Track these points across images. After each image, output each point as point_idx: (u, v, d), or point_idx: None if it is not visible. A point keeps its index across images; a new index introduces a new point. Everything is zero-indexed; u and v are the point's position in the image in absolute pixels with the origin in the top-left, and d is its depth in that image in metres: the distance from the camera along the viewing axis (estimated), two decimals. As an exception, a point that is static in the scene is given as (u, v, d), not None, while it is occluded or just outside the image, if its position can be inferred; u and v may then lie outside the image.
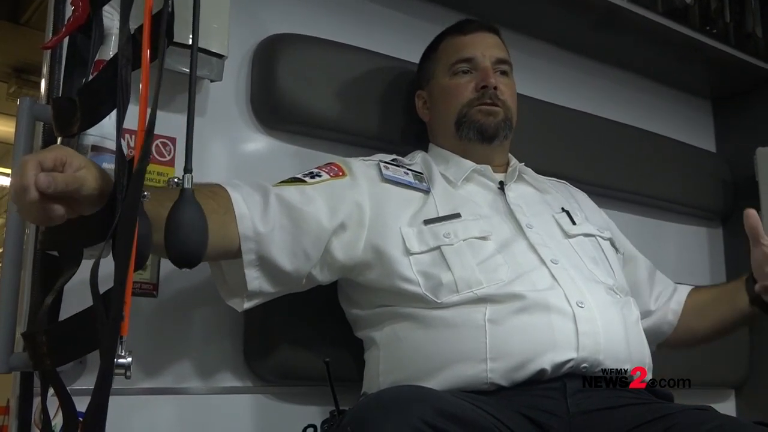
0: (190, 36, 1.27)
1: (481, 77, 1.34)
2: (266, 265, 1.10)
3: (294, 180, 1.20)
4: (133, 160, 0.78)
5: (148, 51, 0.81)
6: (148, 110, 0.78)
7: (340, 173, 1.23)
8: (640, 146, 1.98)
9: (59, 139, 0.98)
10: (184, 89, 1.36)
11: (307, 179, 1.19)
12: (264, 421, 1.36)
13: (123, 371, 0.83)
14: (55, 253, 0.94)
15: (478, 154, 1.34)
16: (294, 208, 1.13)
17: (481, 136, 1.33)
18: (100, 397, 0.71)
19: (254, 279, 1.10)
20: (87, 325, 0.79)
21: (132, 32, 0.85)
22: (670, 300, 1.43)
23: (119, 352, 0.80)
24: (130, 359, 0.82)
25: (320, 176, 1.21)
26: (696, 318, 1.41)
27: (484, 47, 1.37)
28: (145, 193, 0.79)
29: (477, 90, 1.34)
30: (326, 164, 1.26)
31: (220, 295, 1.17)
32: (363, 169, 1.25)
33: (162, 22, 0.82)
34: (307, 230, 1.13)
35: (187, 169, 0.85)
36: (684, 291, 1.45)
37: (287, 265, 1.12)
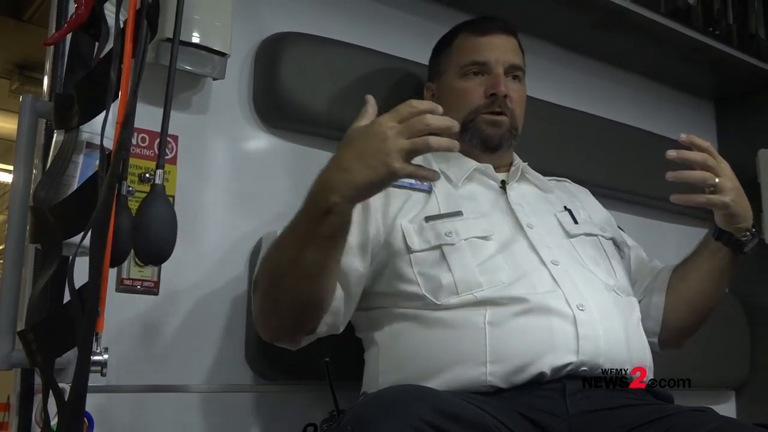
0: (193, 34, 1.27)
1: (492, 84, 1.32)
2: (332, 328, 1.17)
3: None
4: (111, 153, 0.78)
5: (131, 45, 0.81)
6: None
7: None
8: (642, 147, 1.97)
9: (56, 133, 0.98)
10: (186, 87, 1.36)
11: None
12: (264, 420, 1.36)
13: (99, 368, 0.83)
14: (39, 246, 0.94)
15: (480, 159, 1.34)
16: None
17: (485, 146, 1.33)
18: (77, 396, 0.70)
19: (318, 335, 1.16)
20: (67, 322, 0.79)
21: (122, 27, 0.85)
22: (654, 283, 1.38)
23: (94, 349, 0.79)
24: (106, 356, 0.82)
25: None
26: (680, 282, 1.34)
27: (499, 52, 1.34)
28: (130, 188, 0.79)
29: (486, 96, 1.32)
30: None
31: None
32: None
33: (141, 15, 0.82)
34: (354, 285, 1.16)
35: (160, 165, 0.89)
36: (668, 270, 1.38)
37: (346, 321, 1.19)
